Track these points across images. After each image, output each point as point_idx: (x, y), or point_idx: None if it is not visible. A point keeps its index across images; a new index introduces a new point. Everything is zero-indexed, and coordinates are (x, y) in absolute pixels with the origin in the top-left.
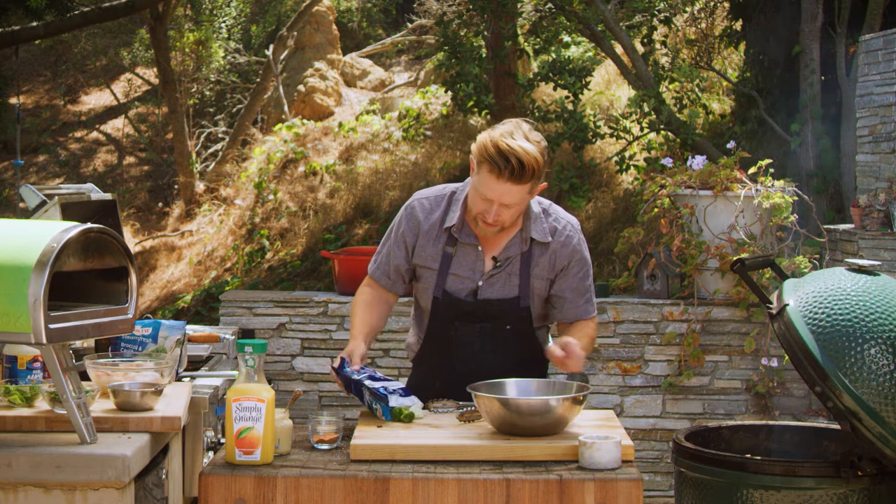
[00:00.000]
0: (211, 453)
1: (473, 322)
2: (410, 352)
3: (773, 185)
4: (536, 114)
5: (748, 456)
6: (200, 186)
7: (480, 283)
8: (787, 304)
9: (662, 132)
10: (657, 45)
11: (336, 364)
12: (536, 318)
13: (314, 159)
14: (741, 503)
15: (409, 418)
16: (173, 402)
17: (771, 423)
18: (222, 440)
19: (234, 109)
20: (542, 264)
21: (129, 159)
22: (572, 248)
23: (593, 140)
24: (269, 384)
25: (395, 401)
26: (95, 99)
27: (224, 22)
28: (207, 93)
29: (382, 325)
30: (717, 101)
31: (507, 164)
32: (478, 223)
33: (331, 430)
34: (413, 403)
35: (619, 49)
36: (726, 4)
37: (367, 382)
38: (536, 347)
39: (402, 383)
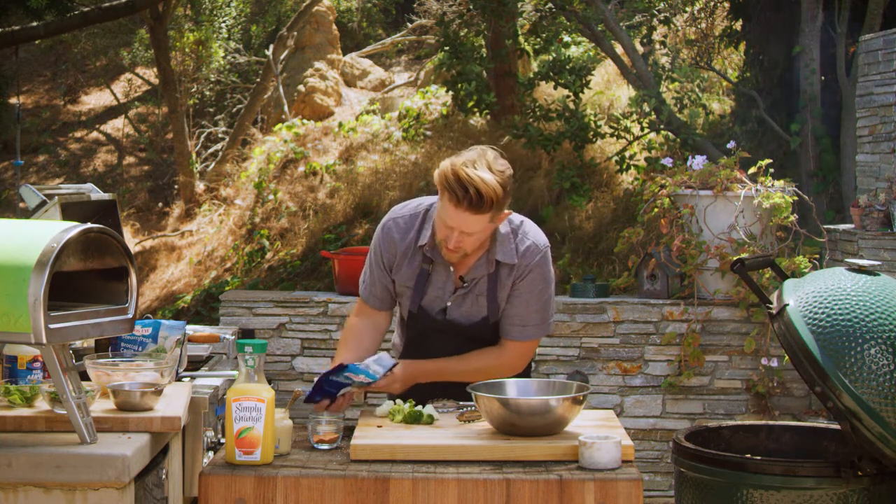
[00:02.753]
0: (211, 453)
1: (447, 334)
2: (395, 351)
3: (773, 185)
4: (537, 112)
5: (748, 456)
6: (200, 186)
7: (448, 304)
8: (787, 304)
9: (662, 132)
10: (657, 45)
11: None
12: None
13: (314, 159)
14: (741, 503)
15: (430, 420)
16: (173, 402)
17: (771, 423)
18: (222, 440)
19: (234, 109)
20: (508, 283)
21: (129, 159)
22: (529, 268)
23: (594, 139)
24: (269, 384)
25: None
26: (95, 99)
27: (224, 22)
28: (207, 93)
29: (375, 349)
30: (717, 101)
31: (465, 194)
32: (440, 249)
33: (331, 430)
34: (383, 366)
35: (619, 49)
36: (726, 4)
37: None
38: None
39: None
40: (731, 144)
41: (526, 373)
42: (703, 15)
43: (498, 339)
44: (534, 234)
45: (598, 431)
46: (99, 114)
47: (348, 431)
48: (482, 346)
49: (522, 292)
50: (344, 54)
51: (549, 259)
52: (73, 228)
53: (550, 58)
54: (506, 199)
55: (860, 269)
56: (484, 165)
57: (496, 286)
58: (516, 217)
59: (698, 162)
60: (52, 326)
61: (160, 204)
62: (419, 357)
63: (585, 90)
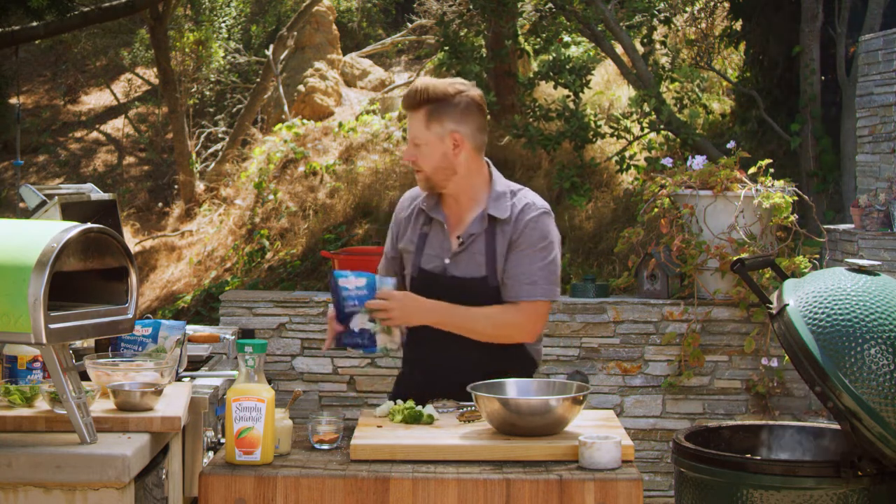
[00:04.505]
0: (211, 453)
1: (449, 300)
2: (402, 350)
3: (773, 185)
4: (537, 113)
5: (748, 456)
6: (200, 186)
7: (447, 262)
8: (787, 304)
9: (662, 132)
10: (657, 45)
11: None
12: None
13: (314, 159)
14: (741, 503)
15: (430, 420)
16: (173, 402)
17: (771, 423)
18: (222, 440)
19: (234, 109)
20: (504, 242)
21: (129, 159)
22: (526, 222)
23: (594, 139)
24: (269, 384)
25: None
26: (95, 99)
27: (224, 22)
28: (207, 93)
29: None
30: (717, 101)
31: (406, 95)
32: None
33: (331, 430)
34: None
35: (619, 49)
36: (726, 4)
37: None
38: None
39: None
40: (731, 144)
41: (530, 365)
42: (703, 15)
43: (494, 301)
44: (533, 196)
45: (598, 431)
46: (99, 114)
47: (348, 431)
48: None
49: (524, 248)
50: (344, 54)
51: (549, 219)
52: (73, 228)
53: (550, 58)
54: (448, 108)
55: (860, 269)
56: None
57: (493, 244)
58: (517, 185)
59: (698, 162)
60: (52, 326)
61: (160, 204)
62: (423, 330)
63: (585, 90)
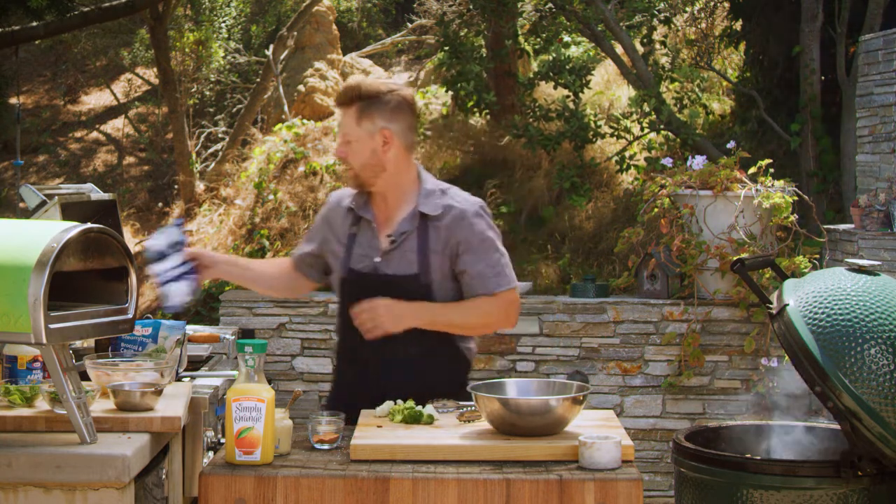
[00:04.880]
0: (211, 453)
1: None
2: (333, 353)
3: (773, 185)
4: (537, 113)
5: (748, 456)
6: (200, 186)
7: (378, 260)
8: (787, 304)
9: (662, 132)
10: (657, 45)
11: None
12: (440, 299)
13: (314, 159)
14: (741, 503)
15: (430, 420)
16: (173, 402)
17: (771, 423)
18: (222, 440)
19: (234, 109)
20: (437, 240)
21: (129, 159)
22: (467, 224)
23: (594, 139)
24: (269, 384)
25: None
26: (95, 99)
27: (224, 22)
28: (207, 93)
29: (259, 275)
30: (717, 101)
31: (339, 92)
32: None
33: (331, 430)
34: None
35: (619, 49)
36: (726, 4)
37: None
38: (446, 338)
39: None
40: (731, 144)
41: (465, 366)
42: (703, 15)
43: (425, 299)
44: (464, 194)
45: (598, 431)
46: (99, 114)
47: (348, 431)
48: None
49: (476, 244)
50: (344, 54)
51: (484, 214)
52: (73, 228)
53: (550, 58)
54: (379, 106)
55: (860, 269)
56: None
57: (426, 241)
58: (445, 184)
59: (698, 162)
60: (52, 326)
61: (160, 204)
62: (350, 338)
63: (585, 90)
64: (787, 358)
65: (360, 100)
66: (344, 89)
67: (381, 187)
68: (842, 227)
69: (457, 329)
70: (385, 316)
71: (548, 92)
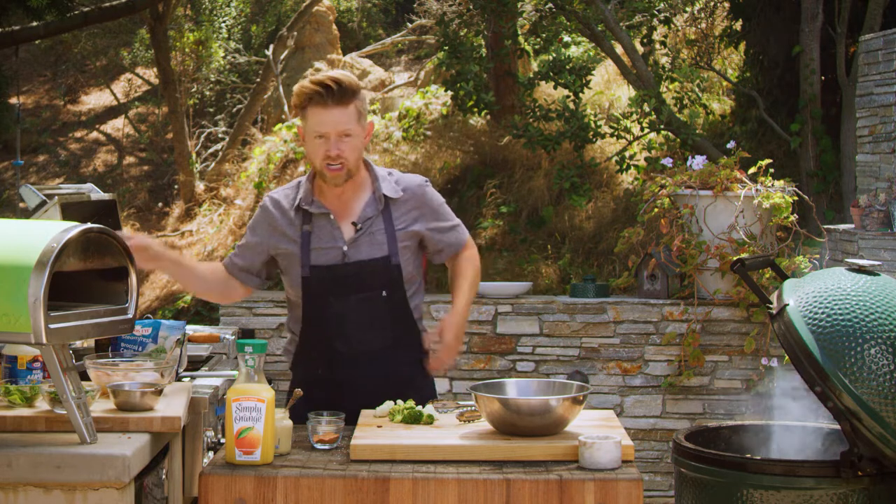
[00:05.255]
0: (211, 453)
1: (347, 294)
2: (287, 354)
3: (773, 185)
4: (537, 113)
5: (748, 456)
6: (200, 186)
7: (346, 248)
8: (787, 304)
9: (662, 132)
10: (657, 45)
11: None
12: (408, 279)
13: None
14: (741, 503)
15: (430, 420)
16: (173, 402)
17: (771, 423)
18: (222, 440)
19: (234, 109)
20: (402, 219)
21: (129, 159)
22: (426, 196)
23: (594, 140)
24: (269, 384)
25: None
26: (95, 99)
27: (224, 22)
28: (207, 93)
29: (197, 277)
30: (717, 101)
31: (328, 90)
32: (325, 174)
33: (331, 430)
34: None
35: (619, 49)
36: (726, 4)
37: None
38: (413, 322)
39: None
40: (731, 144)
41: (422, 350)
42: (703, 15)
43: (398, 286)
44: (408, 174)
45: (598, 431)
46: (99, 114)
47: (348, 431)
48: (380, 291)
49: (436, 210)
50: (344, 54)
51: (430, 184)
52: (73, 228)
53: (550, 58)
54: (363, 97)
55: (860, 269)
56: (330, 71)
57: (390, 223)
58: (385, 168)
59: (698, 162)
60: (52, 326)
61: (160, 204)
62: (317, 335)
63: (585, 90)
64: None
65: (355, 96)
66: (342, 87)
67: (347, 182)
68: (842, 227)
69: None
70: (454, 345)
71: (548, 92)
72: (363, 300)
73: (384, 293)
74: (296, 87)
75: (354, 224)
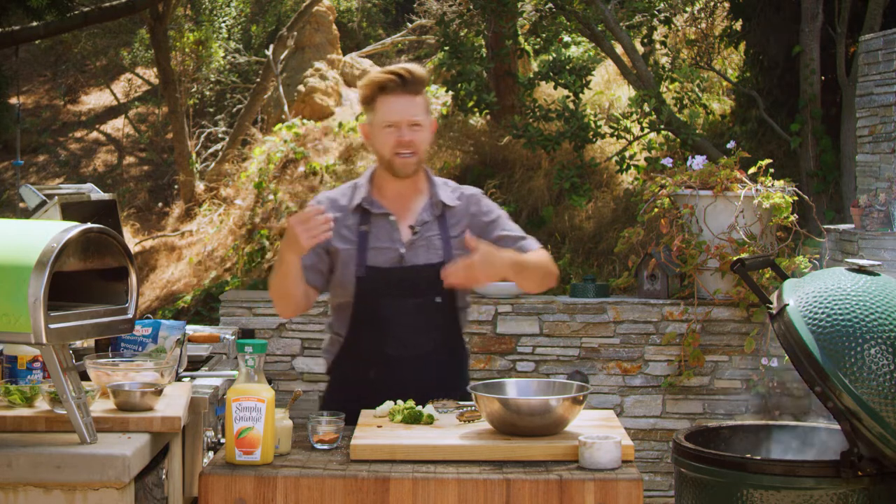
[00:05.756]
0: (211, 453)
1: (402, 297)
2: (328, 356)
3: (773, 185)
4: (537, 113)
5: (748, 456)
6: (200, 186)
7: (403, 251)
8: (787, 304)
9: (662, 132)
10: (657, 45)
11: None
12: (460, 291)
13: (314, 159)
14: (741, 503)
15: (430, 420)
16: (173, 402)
17: (771, 423)
18: (222, 440)
19: (234, 109)
20: (457, 227)
21: (129, 159)
22: (483, 202)
23: (594, 140)
24: (269, 384)
25: None
26: (95, 99)
27: (224, 22)
28: (207, 93)
29: (301, 285)
30: (717, 101)
31: (399, 78)
32: (395, 163)
33: (331, 430)
34: None
35: (619, 49)
36: (726, 4)
37: None
38: (459, 331)
39: None
40: (731, 144)
41: (463, 357)
42: (703, 15)
43: (451, 293)
44: (464, 185)
45: (598, 431)
46: (99, 114)
47: (348, 431)
48: (436, 298)
49: (498, 214)
50: (344, 54)
51: (486, 197)
52: (73, 228)
53: (550, 58)
54: (427, 95)
55: (860, 269)
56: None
57: (445, 229)
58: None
59: (698, 162)
60: (52, 326)
61: (160, 204)
62: (368, 336)
63: (585, 90)
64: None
65: (424, 89)
66: (415, 77)
67: (412, 177)
68: (842, 227)
69: (527, 273)
70: (482, 266)
71: (548, 92)
72: (418, 305)
73: (438, 299)
74: (364, 79)
75: (412, 227)
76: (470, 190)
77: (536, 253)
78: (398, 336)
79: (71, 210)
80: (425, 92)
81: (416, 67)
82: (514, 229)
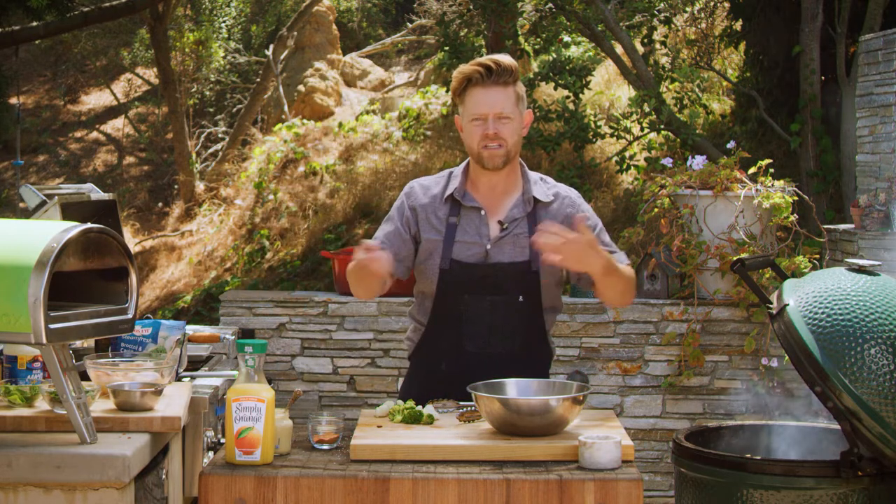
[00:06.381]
0: (211, 453)
1: (484, 294)
2: (410, 343)
3: (773, 185)
4: (537, 113)
5: (748, 456)
6: (200, 186)
7: (489, 247)
8: (787, 304)
9: (662, 132)
10: (657, 45)
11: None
12: (545, 288)
13: (314, 159)
14: (741, 503)
15: (430, 420)
16: (173, 402)
17: (771, 423)
18: (222, 440)
19: (234, 109)
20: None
21: (129, 159)
22: (584, 209)
23: (594, 140)
24: (269, 384)
25: None
26: (95, 99)
27: (224, 22)
28: (207, 93)
29: (386, 282)
30: (717, 101)
31: (488, 70)
32: (483, 156)
33: (331, 430)
34: None
35: (619, 49)
36: (726, 4)
37: None
38: (542, 333)
39: None
40: (731, 144)
41: (546, 364)
42: (703, 15)
43: (534, 292)
44: (564, 185)
45: (598, 431)
46: (99, 114)
47: (348, 431)
48: (518, 297)
49: (595, 228)
50: (344, 54)
51: (585, 202)
52: (73, 228)
53: (550, 58)
54: (523, 88)
55: (860, 269)
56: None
57: (536, 226)
58: (535, 172)
59: (698, 162)
60: (52, 326)
61: (160, 204)
62: (446, 331)
63: (585, 90)
64: (787, 358)
65: (516, 82)
66: (503, 68)
67: (504, 171)
68: (842, 227)
69: (614, 280)
70: (578, 247)
71: (548, 92)
72: (499, 303)
73: (521, 298)
74: (455, 72)
75: (501, 223)
76: (567, 190)
77: (626, 268)
78: (477, 332)
79: (71, 210)
80: (517, 83)
81: (505, 58)
82: (607, 241)
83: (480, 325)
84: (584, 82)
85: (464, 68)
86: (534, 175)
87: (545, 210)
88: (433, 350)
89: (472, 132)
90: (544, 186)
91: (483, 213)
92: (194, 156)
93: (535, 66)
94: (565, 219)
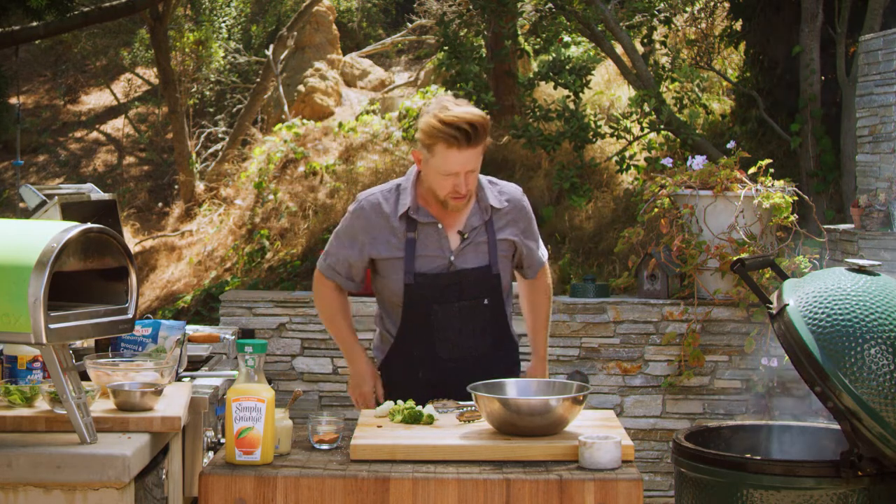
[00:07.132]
0: (211, 453)
1: (451, 301)
2: (379, 353)
3: (773, 185)
4: (537, 113)
5: (748, 456)
6: (200, 186)
7: (453, 258)
8: (787, 304)
9: (662, 132)
10: (657, 45)
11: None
12: (504, 287)
13: (314, 159)
14: (741, 503)
15: (430, 420)
16: (173, 402)
17: (771, 423)
18: (222, 440)
19: (234, 109)
20: (502, 230)
21: (129, 159)
22: (525, 211)
23: (594, 140)
24: (269, 384)
25: None
26: (95, 99)
27: (224, 22)
28: (207, 93)
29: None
30: (717, 101)
31: (463, 134)
32: (447, 203)
33: (331, 430)
34: None
35: (619, 49)
36: (726, 4)
37: None
38: (507, 329)
39: None
40: (730, 144)
41: (516, 357)
42: (703, 15)
43: (497, 293)
44: (506, 183)
45: (598, 431)
46: (99, 114)
47: (348, 431)
48: (482, 298)
49: (530, 228)
50: (344, 54)
51: (526, 197)
52: (73, 228)
53: (550, 58)
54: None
55: (860, 269)
56: (454, 105)
57: (492, 233)
58: (483, 175)
59: (698, 162)
60: (52, 326)
61: (160, 204)
62: (419, 339)
63: (585, 90)
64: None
65: (486, 134)
66: (477, 132)
67: None
68: (842, 227)
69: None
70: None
71: (548, 92)
72: (466, 307)
73: (486, 301)
74: (424, 125)
75: (461, 233)
76: (513, 190)
77: (542, 291)
78: (448, 339)
79: (71, 210)
80: (486, 134)
81: (478, 118)
82: (534, 244)
83: (451, 331)
84: (584, 82)
85: (435, 127)
86: (483, 180)
87: (498, 214)
88: (407, 359)
89: (442, 184)
90: (494, 191)
91: (440, 226)
92: (194, 156)
93: (534, 65)
94: (511, 219)
